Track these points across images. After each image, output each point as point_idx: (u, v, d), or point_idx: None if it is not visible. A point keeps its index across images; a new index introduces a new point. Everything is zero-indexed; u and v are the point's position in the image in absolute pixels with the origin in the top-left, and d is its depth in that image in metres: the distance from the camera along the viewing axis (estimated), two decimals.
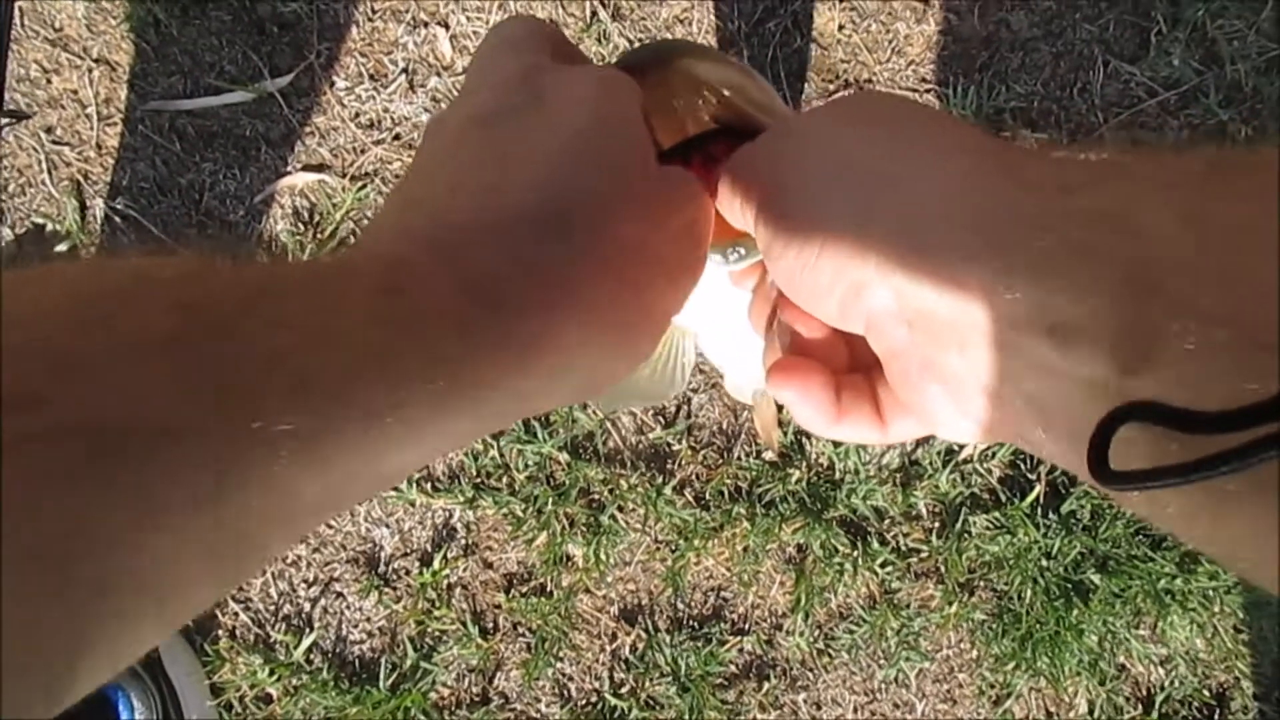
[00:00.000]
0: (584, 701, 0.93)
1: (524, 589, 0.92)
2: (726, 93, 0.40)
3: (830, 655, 0.93)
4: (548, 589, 0.92)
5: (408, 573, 0.93)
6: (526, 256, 0.25)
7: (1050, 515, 0.90)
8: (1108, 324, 0.20)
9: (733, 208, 0.33)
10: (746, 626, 0.93)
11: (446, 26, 0.88)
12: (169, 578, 0.18)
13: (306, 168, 0.89)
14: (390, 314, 0.22)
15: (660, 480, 0.91)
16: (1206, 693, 0.93)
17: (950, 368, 0.25)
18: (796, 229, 0.29)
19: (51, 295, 0.18)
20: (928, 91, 0.88)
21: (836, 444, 0.90)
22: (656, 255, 0.29)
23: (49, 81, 0.88)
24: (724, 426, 0.91)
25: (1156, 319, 0.19)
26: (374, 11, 0.88)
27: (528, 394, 0.25)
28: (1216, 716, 0.93)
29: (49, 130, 0.89)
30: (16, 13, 0.85)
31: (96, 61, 0.88)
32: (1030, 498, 0.90)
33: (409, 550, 0.93)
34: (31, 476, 0.16)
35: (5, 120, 0.86)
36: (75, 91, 0.88)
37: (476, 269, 0.24)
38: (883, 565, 0.91)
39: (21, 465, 0.16)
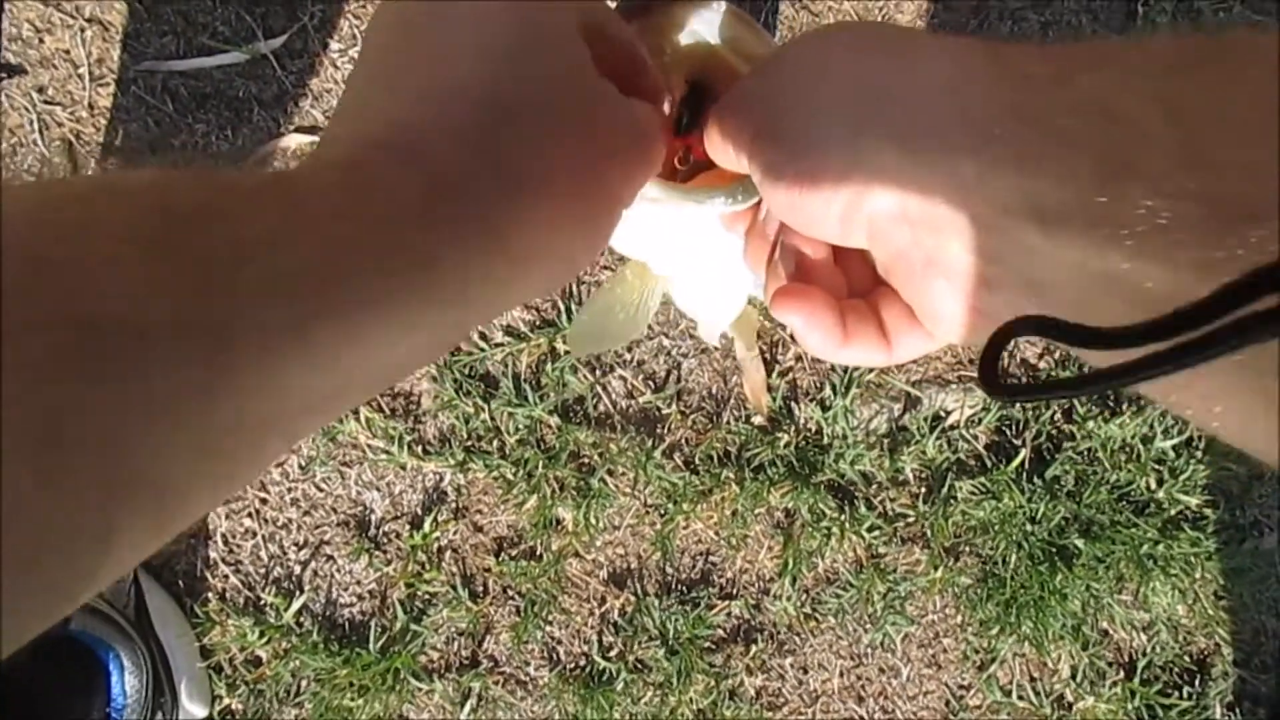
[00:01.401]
0: (573, 664, 0.93)
1: (514, 552, 0.93)
2: (714, 41, 0.41)
3: (817, 619, 0.93)
4: (537, 552, 0.93)
5: (398, 536, 0.93)
6: (481, 145, 0.26)
7: (1035, 480, 0.91)
8: (1087, 206, 0.21)
9: (724, 149, 0.34)
10: (734, 590, 0.94)
11: None
12: (165, 474, 0.18)
13: (299, 129, 0.89)
14: (355, 210, 0.22)
15: (650, 444, 0.91)
16: (1188, 658, 0.94)
17: (952, 260, 0.26)
18: (793, 152, 0.29)
19: (20, 203, 0.18)
20: None
21: (825, 408, 0.91)
22: (605, 139, 0.29)
23: (41, 41, 0.88)
24: (713, 391, 0.92)
25: (1135, 199, 0.20)
26: None
27: (504, 279, 0.26)
28: (1197, 682, 0.94)
29: (41, 90, 0.88)
30: None
31: (89, 21, 0.88)
32: (1015, 463, 0.91)
33: (399, 513, 0.93)
34: (19, 367, 0.16)
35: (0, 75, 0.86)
36: (68, 51, 0.88)
37: (435, 162, 0.25)
38: (870, 530, 0.92)
39: (8, 357, 0.16)
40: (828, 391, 0.91)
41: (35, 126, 0.89)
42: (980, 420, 0.92)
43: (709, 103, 0.36)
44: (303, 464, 0.92)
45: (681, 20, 0.40)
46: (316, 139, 0.89)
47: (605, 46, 0.31)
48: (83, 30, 0.88)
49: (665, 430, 0.92)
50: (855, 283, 0.33)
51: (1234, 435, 0.21)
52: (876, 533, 0.92)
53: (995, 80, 0.25)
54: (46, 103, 0.89)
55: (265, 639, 0.92)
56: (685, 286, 0.50)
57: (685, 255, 0.45)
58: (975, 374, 0.90)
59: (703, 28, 0.40)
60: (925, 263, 0.27)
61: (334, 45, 0.89)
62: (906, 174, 0.26)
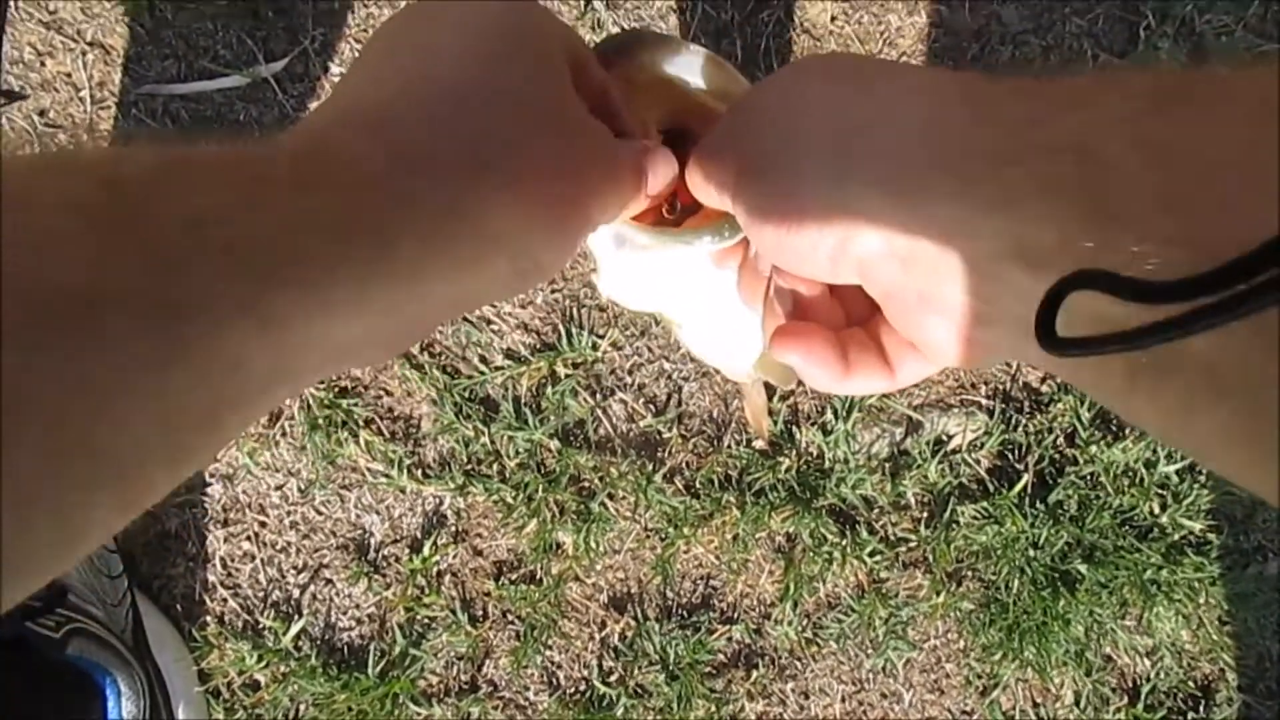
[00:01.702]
0: (572, 689, 0.93)
1: (513, 576, 0.93)
2: (691, 86, 0.41)
3: (818, 644, 0.93)
4: (537, 576, 0.93)
5: (397, 560, 0.93)
6: (452, 130, 0.26)
7: (1038, 505, 0.91)
8: (1075, 250, 0.21)
9: (707, 190, 0.34)
10: (735, 615, 0.93)
11: None
12: (121, 447, 0.18)
13: None
14: (316, 180, 0.22)
15: (650, 468, 0.91)
16: (1192, 684, 0.94)
17: (944, 297, 0.26)
18: (776, 196, 0.29)
19: None
20: None
21: (826, 432, 0.91)
22: (577, 149, 0.29)
23: (43, 64, 0.88)
24: (714, 415, 0.92)
25: (1120, 243, 0.20)
26: None
27: (464, 262, 0.25)
28: (1202, 708, 0.94)
29: (42, 113, 0.89)
30: None
31: (91, 45, 0.88)
32: (1018, 488, 0.90)
33: (398, 537, 0.93)
34: None
35: (1, 101, 0.86)
36: (69, 74, 0.88)
37: (400, 138, 0.25)
38: (871, 554, 0.91)
39: None
40: (829, 416, 0.91)
41: (36, 149, 0.89)
42: (982, 444, 0.91)
43: (690, 146, 0.36)
44: (302, 487, 0.92)
45: (655, 67, 0.40)
46: None
47: (582, 85, 0.32)
48: (84, 54, 0.88)
49: (666, 454, 0.92)
50: (853, 310, 0.33)
51: (1232, 475, 0.21)
52: (878, 557, 0.91)
53: (972, 122, 0.25)
54: (48, 125, 0.89)
55: (263, 663, 0.91)
56: (698, 332, 0.50)
57: (690, 300, 0.45)
58: (983, 398, 0.90)
59: (683, 72, 0.40)
60: (918, 299, 0.27)
61: (335, 69, 0.89)
62: (892, 217, 0.26)
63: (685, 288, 0.43)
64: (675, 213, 0.39)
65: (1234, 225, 0.19)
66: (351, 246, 0.22)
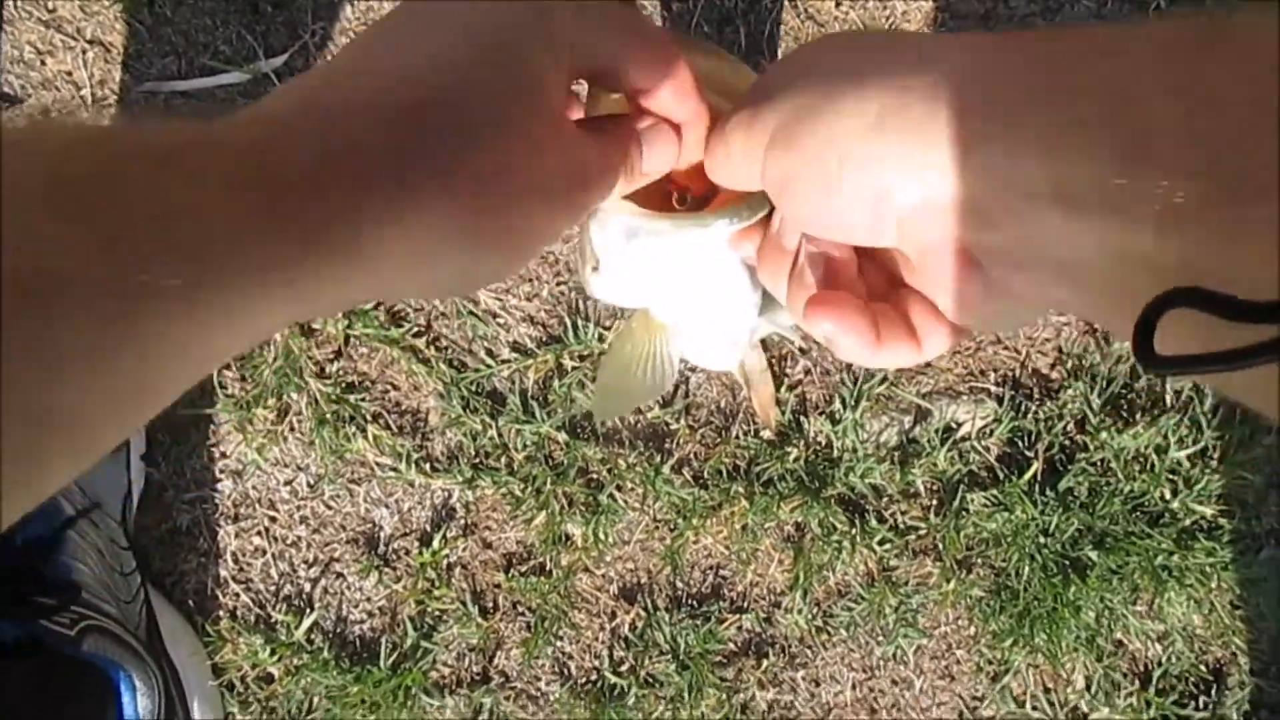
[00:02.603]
0: (584, 679, 0.93)
1: (523, 568, 0.93)
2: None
3: (829, 633, 0.93)
4: (547, 568, 0.93)
5: (407, 553, 0.93)
6: (389, 133, 0.26)
7: (1048, 492, 0.90)
8: (1107, 188, 0.22)
9: (731, 168, 0.34)
10: (745, 604, 0.93)
11: None
12: (75, 420, 0.20)
13: None
14: (258, 180, 0.24)
15: (658, 459, 0.91)
16: (1203, 668, 0.94)
17: (984, 246, 0.27)
18: (811, 157, 0.30)
19: None
20: None
21: (835, 421, 0.90)
22: (531, 165, 0.29)
23: (43, 63, 0.88)
24: (722, 405, 0.91)
25: (1150, 178, 0.21)
26: None
27: (385, 271, 0.27)
28: (1213, 692, 0.93)
29: (44, 112, 0.88)
30: None
31: (90, 43, 0.88)
32: (1028, 475, 0.90)
33: (408, 530, 0.93)
34: None
35: None
36: (69, 73, 0.88)
37: (339, 141, 0.25)
38: (881, 543, 0.91)
39: None
40: (837, 405, 0.90)
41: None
42: (992, 432, 0.91)
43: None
44: (311, 482, 0.92)
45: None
46: None
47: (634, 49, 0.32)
48: (84, 52, 0.88)
49: (674, 445, 0.91)
50: (874, 288, 0.34)
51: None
52: (888, 546, 0.91)
53: (1007, 69, 0.26)
54: None
55: (276, 657, 0.92)
56: (687, 330, 0.49)
57: (685, 293, 0.45)
58: (993, 385, 0.90)
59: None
60: (958, 251, 0.28)
61: None
62: (930, 164, 0.26)
63: (685, 280, 0.43)
64: (685, 204, 0.39)
65: (1250, 154, 0.20)
66: (291, 245, 0.24)
